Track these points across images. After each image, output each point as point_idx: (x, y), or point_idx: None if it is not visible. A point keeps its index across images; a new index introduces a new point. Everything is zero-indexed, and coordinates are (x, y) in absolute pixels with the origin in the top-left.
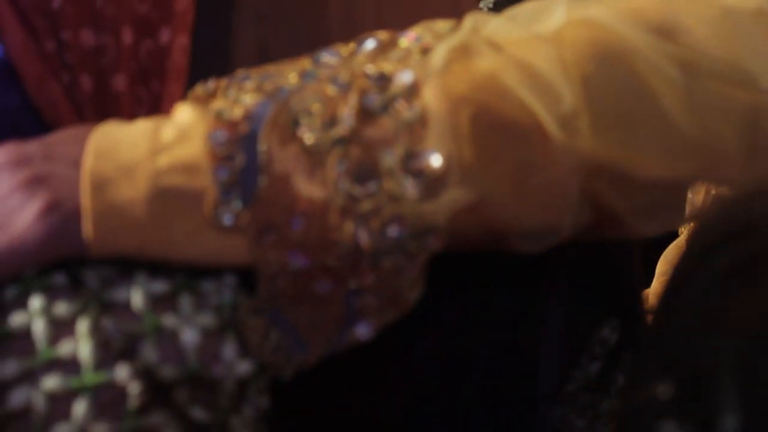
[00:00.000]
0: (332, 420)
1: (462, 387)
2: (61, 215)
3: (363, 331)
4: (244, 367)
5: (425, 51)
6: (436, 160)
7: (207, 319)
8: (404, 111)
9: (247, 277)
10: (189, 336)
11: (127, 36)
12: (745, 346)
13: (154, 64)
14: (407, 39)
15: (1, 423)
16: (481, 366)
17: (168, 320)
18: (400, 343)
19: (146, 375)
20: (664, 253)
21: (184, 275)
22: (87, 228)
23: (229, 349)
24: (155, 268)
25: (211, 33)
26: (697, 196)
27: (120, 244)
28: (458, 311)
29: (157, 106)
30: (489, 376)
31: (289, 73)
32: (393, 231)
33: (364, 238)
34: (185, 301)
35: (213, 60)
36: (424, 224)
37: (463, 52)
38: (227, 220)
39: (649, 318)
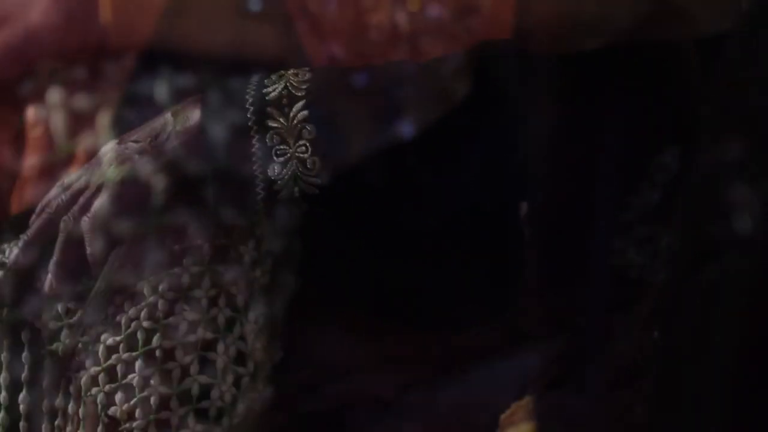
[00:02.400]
0: (368, 231)
1: (510, 207)
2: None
3: (405, 128)
4: (275, 168)
5: None
6: None
7: (236, 117)
8: None
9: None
10: (217, 132)
11: None
12: None
13: None
14: None
15: (21, 218)
16: (531, 188)
17: (194, 115)
18: (442, 157)
19: (172, 170)
20: None
21: (211, 71)
22: (105, 12)
23: (259, 148)
24: (181, 63)
25: None
26: None
27: (140, 31)
28: (506, 126)
29: None
30: (542, 200)
31: None
32: (433, 10)
33: (401, 18)
34: (213, 97)
35: None
36: (466, 3)
37: None
38: (254, 4)
39: None
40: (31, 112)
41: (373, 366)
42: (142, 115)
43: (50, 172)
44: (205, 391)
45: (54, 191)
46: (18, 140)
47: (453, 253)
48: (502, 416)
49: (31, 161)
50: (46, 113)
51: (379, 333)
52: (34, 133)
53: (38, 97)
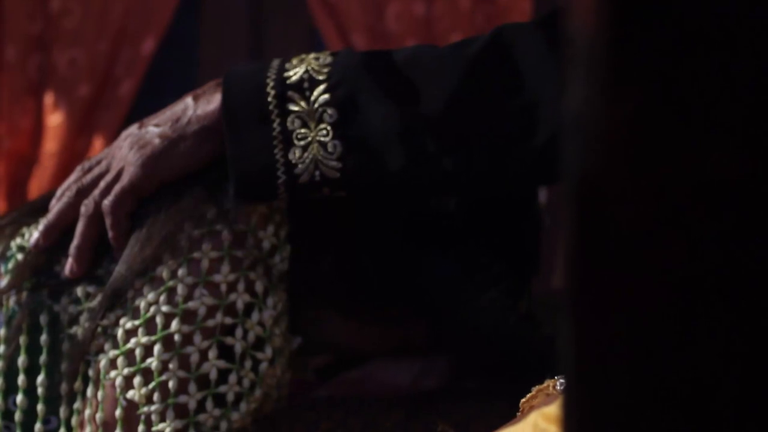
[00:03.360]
0: (387, 216)
1: (530, 193)
2: None
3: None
4: (296, 152)
5: None
6: None
7: (257, 100)
8: None
9: None
10: (237, 116)
11: None
12: None
13: None
14: None
15: (41, 202)
16: (552, 173)
17: (215, 99)
18: (462, 140)
19: (192, 154)
20: None
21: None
22: None
23: (280, 132)
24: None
25: None
26: None
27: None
28: (528, 109)
29: None
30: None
31: None
32: None
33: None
34: (233, 81)
35: None
36: None
37: None
38: None
39: None
40: (49, 99)
41: (390, 353)
42: (159, 100)
43: (68, 158)
44: (223, 376)
45: (74, 175)
46: (37, 127)
47: (471, 240)
48: (522, 400)
49: (49, 148)
50: (65, 101)
51: (397, 320)
52: (52, 121)
53: (57, 84)
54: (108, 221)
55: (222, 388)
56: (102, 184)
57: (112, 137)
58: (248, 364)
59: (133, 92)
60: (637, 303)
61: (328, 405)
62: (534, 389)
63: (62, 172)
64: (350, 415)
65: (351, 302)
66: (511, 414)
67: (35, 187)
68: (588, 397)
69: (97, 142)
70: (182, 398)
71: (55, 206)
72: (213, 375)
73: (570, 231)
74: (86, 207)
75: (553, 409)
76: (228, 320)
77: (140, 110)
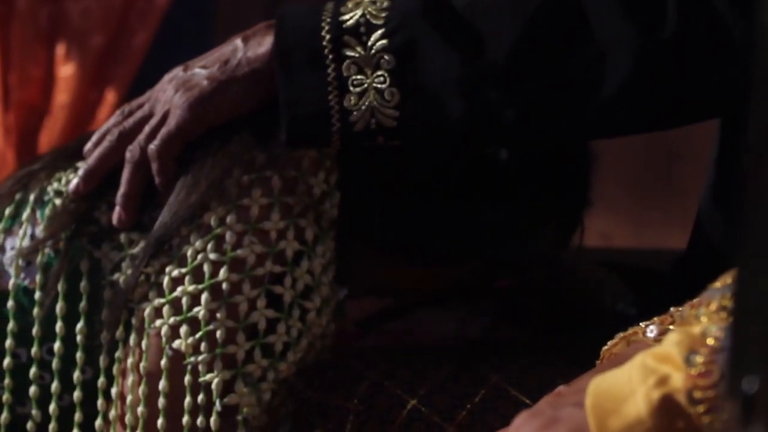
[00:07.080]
0: (443, 164)
1: (586, 145)
2: None
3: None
4: (351, 98)
5: None
6: None
7: (311, 45)
8: None
9: None
10: (290, 60)
11: None
12: None
13: None
14: None
15: (75, 147)
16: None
17: (266, 41)
18: (522, 87)
19: (242, 98)
20: None
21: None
22: None
23: (335, 78)
24: None
25: None
26: None
27: None
28: (589, 61)
29: None
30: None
31: None
32: None
33: None
34: (286, 24)
35: None
36: None
37: None
38: None
39: None
40: (61, 50)
41: (437, 296)
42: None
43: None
44: (271, 326)
45: (114, 118)
46: (48, 78)
47: (522, 183)
48: (604, 348)
49: (60, 99)
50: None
51: (444, 262)
52: (64, 72)
53: (69, 35)
54: (154, 166)
55: (270, 338)
56: (147, 128)
57: (124, 89)
58: (296, 313)
59: (147, 44)
60: None
61: (375, 355)
62: (617, 336)
63: (73, 124)
64: (399, 366)
65: (399, 246)
66: (569, 367)
67: (46, 139)
68: None
69: (110, 94)
70: (230, 348)
71: (96, 151)
72: (262, 324)
73: None
74: (131, 153)
75: (664, 350)
76: (277, 268)
77: (154, 63)
